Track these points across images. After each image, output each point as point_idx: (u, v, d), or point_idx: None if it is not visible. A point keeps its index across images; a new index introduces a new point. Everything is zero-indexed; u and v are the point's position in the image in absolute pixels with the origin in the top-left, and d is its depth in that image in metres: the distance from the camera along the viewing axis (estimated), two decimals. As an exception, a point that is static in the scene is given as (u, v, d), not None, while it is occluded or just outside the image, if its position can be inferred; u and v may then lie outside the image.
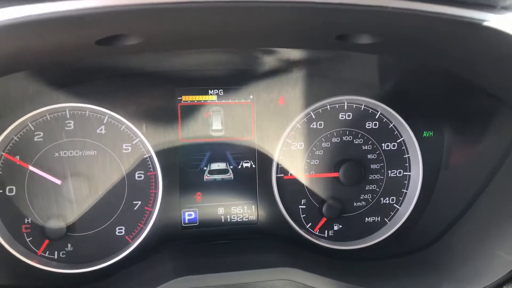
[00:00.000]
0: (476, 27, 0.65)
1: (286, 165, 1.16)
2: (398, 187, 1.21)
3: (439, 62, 0.89)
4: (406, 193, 1.21)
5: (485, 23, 0.64)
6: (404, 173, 1.21)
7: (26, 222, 1.05)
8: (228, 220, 1.15)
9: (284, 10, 0.65)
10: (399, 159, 1.21)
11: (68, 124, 1.06)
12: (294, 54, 1.07)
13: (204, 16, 0.63)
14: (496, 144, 1.04)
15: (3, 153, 1.03)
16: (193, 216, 1.13)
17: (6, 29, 0.57)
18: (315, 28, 0.72)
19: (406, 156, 1.21)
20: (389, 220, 1.21)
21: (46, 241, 1.06)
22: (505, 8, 0.68)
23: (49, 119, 1.06)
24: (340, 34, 0.74)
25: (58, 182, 1.05)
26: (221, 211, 1.14)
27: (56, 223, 1.06)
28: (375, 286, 0.96)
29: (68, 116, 1.06)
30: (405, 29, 0.71)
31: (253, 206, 1.15)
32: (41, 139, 1.05)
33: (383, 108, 1.18)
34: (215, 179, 1.14)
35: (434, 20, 0.64)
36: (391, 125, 1.20)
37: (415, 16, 0.63)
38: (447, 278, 0.98)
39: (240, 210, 1.15)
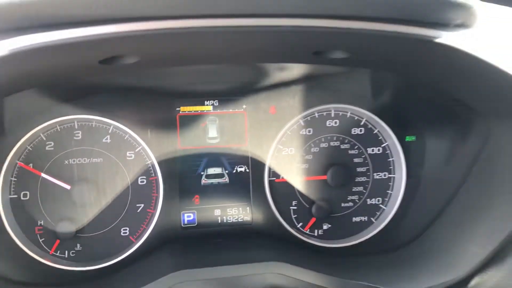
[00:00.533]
0: (431, 43, 0.74)
1: (277, 169, 1.25)
2: (383, 189, 1.29)
3: (409, 74, 0.98)
4: (391, 194, 1.29)
5: (439, 40, 0.73)
6: (389, 175, 1.29)
7: (39, 224, 1.14)
8: (224, 221, 1.23)
9: (267, 33, 0.74)
10: (383, 162, 1.29)
11: (76, 134, 1.16)
12: (284, 67, 1.17)
13: (192, 40, 0.73)
14: (470, 147, 1.12)
15: (17, 162, 1.13)
16: (191, 218, 1.22)
17: (25, 53, 0.67)
18: (294, 47, 0.82)
19: (391, 159, 1.29)
20: (375, 220, 1.28)
21: (57, 242, 1.14)
22: (458, 26, 0.77)
23: (59, 130, 1.15)
24: (316, 51, 0.83)
25: (68, 187, 1.14)
26: (217, 212, 1.23)
27: (66, 225, 1.14)
28: (358, 278, 1.04)
29: (76, 127, 1.16)
30: (370, 45, 0.80)
31: (247, 208, 1.24)
32: (52, 148, 1.15)
33: (367, 115, 1.26)
34: (211, 183, 1.23)
35: (393, 38, 0.73)
36: (376, 131, 1.28)
37: (377, 35, 0.72)
38: (424, 270, 1.06)
39: (235, 211, 1.24)
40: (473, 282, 1.02)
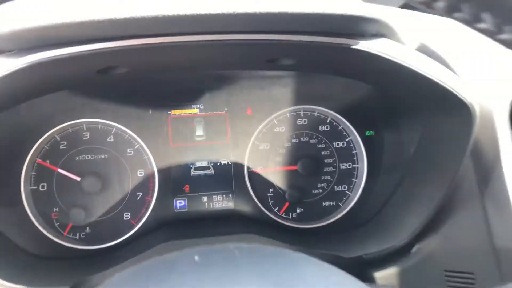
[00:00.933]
0: (351, 50, 0.95)
1: (255, 161, 1.44)
2: (348, 177, 1.48)
3: (350, 76, 1.19)
4: (355, 182, 1.48)
5: (356, 47, 0.94)
6: (353, 165, 1.49)
7: (54, 211, 1.35)
8: (211, 206, 1.43)
9: (226, 45, 0.96)
10: (348, 154, 1.48)
11: (85, 135, 1.37)
12: (259, 74, 1.39)
13: (166, 53, 0.95)
14: (414, 139, 1.32)
15: (36, 159, 1.36)
16: (183, 204, 1.42)
17: (40, 65, 0.90)
18: (250, 56, 1.04)
19: (354, 152, 1.48)
20: (342, 204, 1.47)
21: (70, 225, 1.34)
22: (375, 35, 0.99)
23: (70, 131, 1.36)
24: (268, 59, 1.05)
25: (78, 179, 1.35)
26: (205, 199, 1.43)
27: (77, 211, 1.34)
28: (320, 248, 1.24)
29: (85, 129, 1.37)
30: (308, 53, 1.01)
31: (230, 195, 1.44)
32: (65, 147, 1.36)
33: (332, 114, 1.47)
34: (199, 174, 1.43)
35: (322, 47, 0.94)
36: (340, 127, 1.48)
37: (309, 45, 0.94)
38: (375, 241, 1.25)
39: (220, 198, 1.44)
40: (415, 248, 1.21)
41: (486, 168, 1.11)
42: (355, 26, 0.92)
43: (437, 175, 1.16)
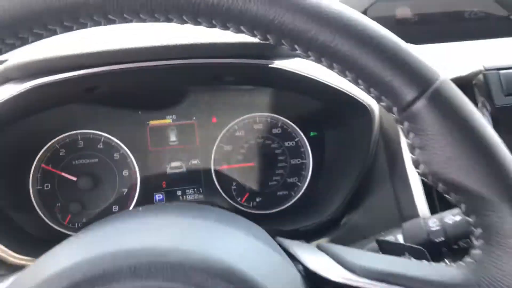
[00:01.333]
0: (268, 68, 1.28)
1: (220, 160, 1.73)
2: (298, 171, 1.76)
3: (288, 88, 1.52)
4: (304, 174, 1.79)
5: (271, 65, 1.27)
6: (302, 161, 1.78)
7: (56, 205, 1.62)
8: (184, 199, 1.72)
9: (171, 68, 1.30)
10: (297, 152, 1.77)
11: (79, 143, 1.63)
12: (220, 88, 1.71)
13: (134, 74, 1.29)
14: (347, 138, 1.64)
15: (41, 164, 1.68)
16: (161, 197, 1.69)
17: (38, 88, 1.23)
18: (196, 75, 1.37)
19: (302, 149, 1.79)
20: (293, 193, 1.77)
21: (69, 216, 1.60)
22: (289, 56, 1.31)
23: (68, 141, 1.63)
24: (214, 77, 1.38)
25: (75, 179, 1.66)
26: (179, 193, 1.70)
27: (75, 205, 1.60)
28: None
29: (79, 138, 1.62)
30: (240, 72, 1.34)
31: (200, 189, 1.71)
32: (64, 154, 1.62)
33: (282, 120, 1.78)
34: (174, 172, 1.72)
35: (244, 66, 1.27)
36: (289, 129, 1.79)
37: (233, 66, 1.27)
38: (311, 217, 1.55)
39: (192, 191, 1.71)
40: (343, 221, 1.52)
41: (391, 151, 1.42)
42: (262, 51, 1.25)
43: (352, 161, 1.48)
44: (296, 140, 1.78)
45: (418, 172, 0.60)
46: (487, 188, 0.55)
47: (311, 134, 1.77)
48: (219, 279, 0.52)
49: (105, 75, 1.26)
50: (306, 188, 1.76)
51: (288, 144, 1.78)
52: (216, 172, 1.74)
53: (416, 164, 0.59)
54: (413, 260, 0.86)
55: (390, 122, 1.43)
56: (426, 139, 0.56)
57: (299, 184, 1.78)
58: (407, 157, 1.38)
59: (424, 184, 1.35)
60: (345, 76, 0.56)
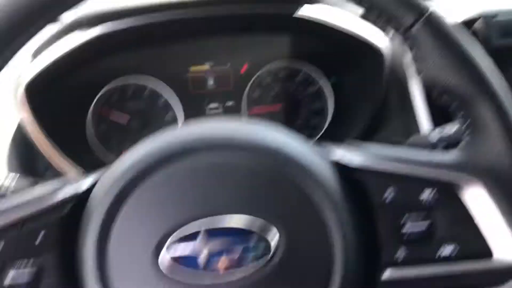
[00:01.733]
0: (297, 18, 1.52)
1: (251, 102, 1.99)
2: (320, 114, 1.99)
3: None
4: (324, 117, 2.01)
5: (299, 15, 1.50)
6: (323, 105, 1.99)
7: (111, 145, 1.85)
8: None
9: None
10: (320, 96, 1.93)
11: (130, 88, 1.73)
12: (250, 41, 1.94)
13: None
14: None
15: (98, 107, 1.94)
16: None
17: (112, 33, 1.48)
18: (229, 23, 1.64)
19: (324, 94, 1.95)
20: (315, 135, 2.02)
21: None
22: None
23: (120, 85, 1.71)
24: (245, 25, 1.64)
25: (126, 121, 1.88)
26: None
27: (127, 145, 1.86)
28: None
29: (130, 83, 1.74)
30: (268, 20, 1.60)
31: None
32: (117, 98, 1.83)
33: (306, 66, 1.89)
34: (212, 113, 1.98)
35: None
36: (312, 75, 1.91)
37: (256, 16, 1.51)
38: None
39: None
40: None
41: (401, 88, 1.66)
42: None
43: (367, 100, 1.72)
44: (318, 86, 2.01)
45: (420, 77, 0.84)
46: (470, 87, 0.80)
47: (332, 79, 1.99)
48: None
49: (162, 23, 1.50)
50: (326, 130, 1.99)
51: (311, 89, 2.01)
52: (248, 112, 1.97)
53: (419, 72, 0.84)
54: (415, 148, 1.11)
55: (399, 64, 1.67)
56: (424, 53, 0.80)
57: (320, 126, 2.00)
58: (416, 92, 1.62)
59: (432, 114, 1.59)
60: (363, 5, 0.80)
